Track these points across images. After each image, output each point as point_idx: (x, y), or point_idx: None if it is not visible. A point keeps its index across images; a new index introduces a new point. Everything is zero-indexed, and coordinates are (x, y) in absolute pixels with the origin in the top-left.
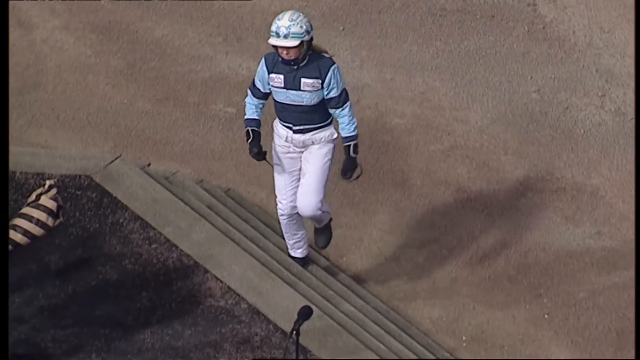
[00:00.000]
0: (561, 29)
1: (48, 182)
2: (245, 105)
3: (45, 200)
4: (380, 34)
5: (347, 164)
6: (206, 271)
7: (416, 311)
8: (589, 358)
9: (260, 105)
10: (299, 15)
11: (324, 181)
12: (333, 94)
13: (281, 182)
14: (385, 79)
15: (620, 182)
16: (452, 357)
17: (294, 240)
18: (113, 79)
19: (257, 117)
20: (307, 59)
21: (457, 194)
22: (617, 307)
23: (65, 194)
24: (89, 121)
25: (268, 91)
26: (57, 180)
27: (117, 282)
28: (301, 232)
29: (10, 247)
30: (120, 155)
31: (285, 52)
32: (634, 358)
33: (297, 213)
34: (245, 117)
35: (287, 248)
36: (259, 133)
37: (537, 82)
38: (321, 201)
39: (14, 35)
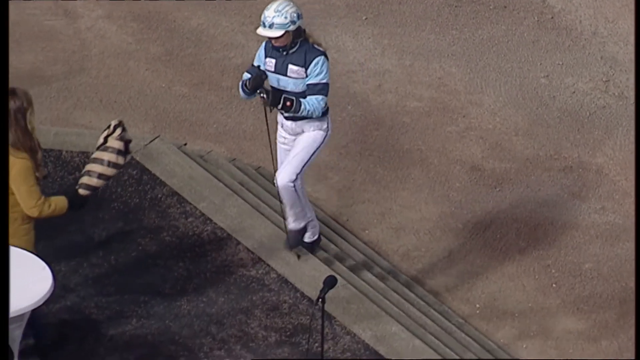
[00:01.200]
0: (568, 19)
1: (113, 123)
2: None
3: (112, 142)
4: (400, 23)
5: (272, 93)
6: (238, 243)
7: (433, 280)
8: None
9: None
10: (286, 6)
11: (305, 160)
12: (311, 80)
13: (278, 167)
14: (404, 65)
15: (623, 161)
16: (465, 323)
17: (289, 213)
18: (152, 65)
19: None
20: (298, 46)
21: (472, 172)
22: (620, 277)
23: None
24: (130, 104)
25: (264, 69)
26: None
27: (156, 253)
28: (299, 206)
29: (87, 192)
30: (159, 136)
31: (273, 40)
32: (634, 358)
33: (292, 187)
34: (244, 78)
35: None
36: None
37: (546, 68)
38: (296, 175)
39: (61, 23)
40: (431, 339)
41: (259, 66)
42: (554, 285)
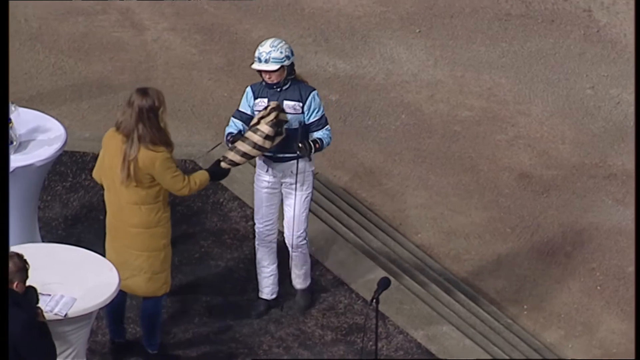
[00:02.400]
0: (613, 32)
1: (271, 105)
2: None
3: (262, 125)
4: (452, 35)
5: (302, 145)
6: None
7: (483, 282)
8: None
9: (242, 128)
10: (280, 42)
11: (307, 211)
12: (314, 117)
13: (261, 213)
14: (456, 76)
15: None
16: (513, 323)
17: (263, 275)
18: (215, 75)
19: (235, 130)
20: (290, 84)
21: (520, 179)
22: None
23: None
24: (193, 112)
25: (250, 115)
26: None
27: (217, 254)
28: (272, 267)
29: (229, 166)
30: (220, 143)
31: (267, 75)
32: (634, 358)
33: (272, 241)
34: (228, 131)
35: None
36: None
37: (592, 79)
38: (305, 230)
39: (128, 35)
40: (480, 339)
41: (250, 116)
42: (598, 287)
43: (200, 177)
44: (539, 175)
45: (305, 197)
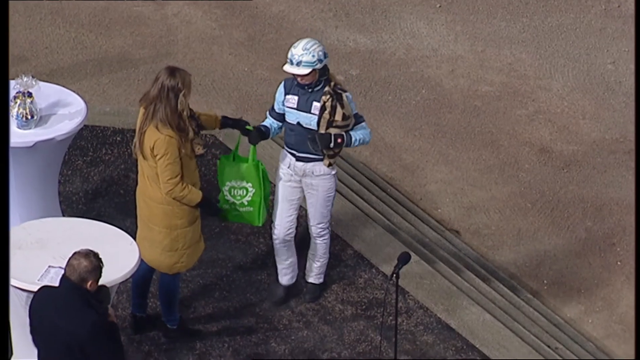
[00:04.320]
0: (635, 7)
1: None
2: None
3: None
4: (472, 10)
5: (321, 138)
6: None
7: (503, 257)
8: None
9: (274, 125)
10: (313, 44)
11: (331, 208)
12: None
13: (280, 209)
14: (477, 51)
15: None
16: (533, 298)
17: (282, 266)
18: (235, 50)
19: (266, 124)
20: (322, 85)
21: (540, 154)
22: None
23: None
24: (214, 86)
25: (282, 112)
26: None
27: (237, 229)
28: (291, 260)
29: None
30: (241, 117)
31: (299, 77)
32: (634, 358)
33: (290, 240)
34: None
35: (276, 275)
36: (262, 129)
37: (613, 54)
38: (328, 222)
39: (149, 9)
40: (500, 314)
41: (281, 114)
42: (618, 262)
43: (192, 192)
44: (560, 150)
45: (327, 196)
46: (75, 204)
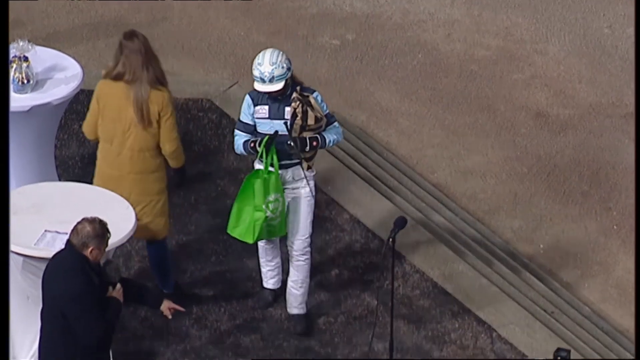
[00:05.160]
0: None
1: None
2: (235, 144)
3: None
4: None
5: (296, 141)
6: None
7: (499, 222)
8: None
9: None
10: (277, 55)
11: (312, 216)
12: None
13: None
14: (473, 15)
15: None
16: (530, 262)
17: (267, 268)
18: (231, 14)
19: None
20: (291, 88)
21: (537, 118)
22: None
23: (189, 116)
24: (210, 51)
25: (253, 124)
26: (182, 103)
27: (234, 193)
28: (276, 260)
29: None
30: (237, 82)
31: (275, 92)
32: (634, 358)
33: (276, 238)
34: (242, 141)
35: (261, 280)
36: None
37: (609, 18)
38: (310, 236)
39: None
40: (497, 278)
41: (254, 125)
42: (615, 227)
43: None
44: (556, 114)
45: (309, 202)
46: (72, 168)
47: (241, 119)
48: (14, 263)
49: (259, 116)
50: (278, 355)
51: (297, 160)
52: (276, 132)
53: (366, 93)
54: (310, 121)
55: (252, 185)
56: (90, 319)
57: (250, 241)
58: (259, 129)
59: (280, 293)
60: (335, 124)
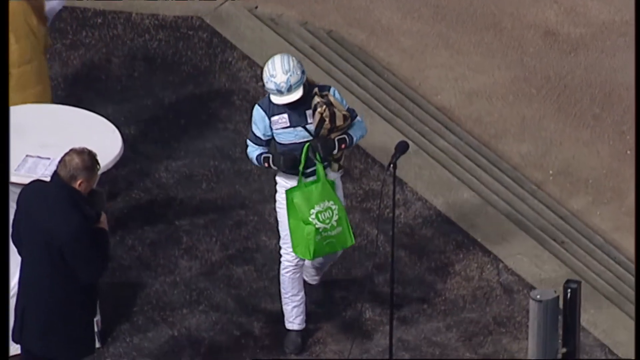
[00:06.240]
0: None
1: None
2: (248, 154)
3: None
4: None
5: (324, 142)
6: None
7: (506, 147)
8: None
9: (263, 149)
10: (289, 61)
11: None
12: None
13: (288, 238)
14: None
15: None
16: (538, 189)
17: (293, 304)
18: None
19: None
20: (308, 89)
21: (546, 37)
22: None
23: (178, 34)
24: None
25: (269, 137)
26: (171, 21)
27: (226, 116)
28: (301, 295)
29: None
30: None
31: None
32: (634, 358)
33: (302, 266)
34: (256, 155)
35: (285, 322)
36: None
37: None
38: None
39: None
40: (503, 206)
41: (267, 139)
42: (628, 152)
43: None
44: (566, 33)
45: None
46: (55, 89)
47: (253, 131)
48: None
49: (279, 127)
50: (272, 287)
51: (324, 164)
52: (310, 144)
53: (365, 10)
54: (339, 122)
55: (292, 199)
56: (91, 257)
57: (309, 258)
58: (281, 140)
59: (307, 335)
60: (358, 118)
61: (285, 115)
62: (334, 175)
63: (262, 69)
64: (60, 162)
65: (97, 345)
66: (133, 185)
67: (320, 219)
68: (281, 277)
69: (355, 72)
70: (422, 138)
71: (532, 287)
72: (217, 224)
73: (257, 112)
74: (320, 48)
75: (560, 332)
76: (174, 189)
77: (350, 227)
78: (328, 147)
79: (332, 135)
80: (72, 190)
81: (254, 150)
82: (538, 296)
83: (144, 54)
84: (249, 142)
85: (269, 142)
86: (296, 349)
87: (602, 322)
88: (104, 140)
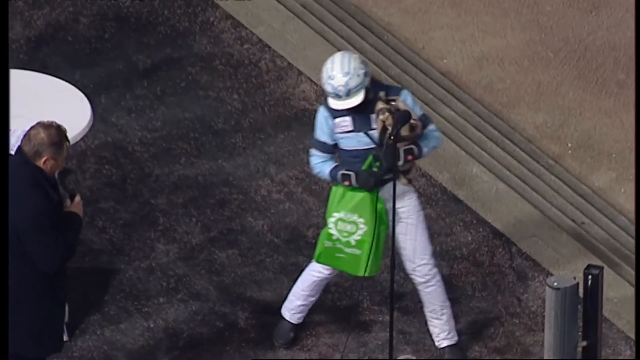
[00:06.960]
0: None
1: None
2: (312, 165)
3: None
4: None
5: (386, 152)
6: (300, 73)
7: (520, 116)
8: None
9: (333, 159)
10: (349, 60)
11: (427, 234)
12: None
13: None
14: None
15: None
16: (556, 164)
17: (300, 302)
18: None
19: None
20: (372, 88)
21: None
22: None
23: None
24: None
25: (335, 142)
26: None
27: (207, 83)
28: (314, 299)
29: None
30: None
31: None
32: (634, 358)
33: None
34: (326, 171)
35: (284, 309)
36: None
37: None
38: (432, 256)
39: None
40: (517, 182)
41: (333, 144)
42: None
43: None
44: None
45: (421, 217)
46: (16, 52)
47: (317, 136)
48: None
49: (341, 130)
50: (259, 273)
51: (390, 176)
52: (373, 153)
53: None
54: (404, 132)
55: (332, 192)
56: (49, 242)
57: (314, 259)
58: (344, 147)
59: (300, 329)
60: (431, 127)
61: (348, 118)
62: (406, 189)
63: (247, 30)
64: (24, 136)
65: (65, 338)
66: (103, 159)
67: (338, 228)
68: (305, 275)
69: (351, 34)
70: (426, 107)
71: (548, 273)
72: (198, 203)
73: (321, 112)
74: (312, 6)
75: (580, 323)
76: (150, 164)
77: (371, 261)
78: (389, 157)
79: (399, 145)
80: (35, 168)
81: (322, 162)
82: (555, 283)
83: (115, 13)
84: (313, 151)
85: (334, 150)
86: (286, 343)
87: (627, 312)
88: (71, 109)
